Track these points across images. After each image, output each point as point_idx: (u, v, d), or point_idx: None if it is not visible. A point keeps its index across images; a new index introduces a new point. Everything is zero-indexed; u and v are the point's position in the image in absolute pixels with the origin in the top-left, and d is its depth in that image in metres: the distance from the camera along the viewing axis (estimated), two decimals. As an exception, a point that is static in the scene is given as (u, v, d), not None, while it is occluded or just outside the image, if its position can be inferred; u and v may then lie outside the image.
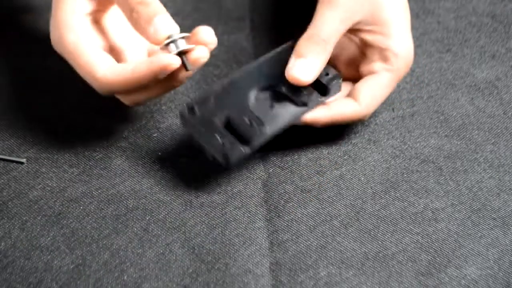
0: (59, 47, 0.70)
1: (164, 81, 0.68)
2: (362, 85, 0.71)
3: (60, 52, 0.70)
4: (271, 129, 0.69)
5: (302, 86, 0.70)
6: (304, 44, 0.70)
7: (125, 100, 0.71)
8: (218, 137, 0.68)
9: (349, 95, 0.72)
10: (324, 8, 0.70)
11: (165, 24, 0.67)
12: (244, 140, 0.68)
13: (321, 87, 0.71)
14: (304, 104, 0.70)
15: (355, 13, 0.70)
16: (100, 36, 0.71)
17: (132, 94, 0.70)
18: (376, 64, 0.71)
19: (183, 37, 0.67)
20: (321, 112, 0.71)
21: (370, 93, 0.71)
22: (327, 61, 0.70)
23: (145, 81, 0.67)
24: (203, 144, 0.69)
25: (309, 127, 0.72)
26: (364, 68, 0.72)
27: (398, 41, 0.71)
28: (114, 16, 0.73)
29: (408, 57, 0.72)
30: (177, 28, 0.67)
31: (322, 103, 0.71)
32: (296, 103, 0.70)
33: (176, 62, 0.66)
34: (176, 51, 0.67)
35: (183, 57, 0.67)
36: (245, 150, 0.68)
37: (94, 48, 0.69)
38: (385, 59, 0.71)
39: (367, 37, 0.72)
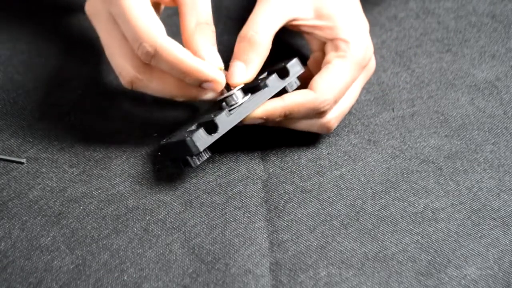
0: (113, 4, 0.67)
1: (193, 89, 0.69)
2: (317, 75, 0.72)
3: (111, 11, 0.68)
4: (235, 115, 0.69)
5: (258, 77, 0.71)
6: (237, 45, 0.71)
7: (132, 78, 0.70)
8: (184, 133, 0.69)
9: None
10: (257, 7, 0.72)
11: (217, 56, 0.69)
12: (211, 129, 0.68)
13: (280, 71, 0.71)
14: (265, 86, 0.70)
15: (289, 10, 0.72)
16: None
17: (155, 79, 0.69)
18: (329, 55, 0.72)
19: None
20: (275, 103, 0.70)
21: (324, 79, 0.71)
22: (263, 58, 0.71)
23: (193, 75, 0.67)
24: (174, 143, 0.70)
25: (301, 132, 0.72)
26: (323, 63, 0.73)
27: (345, 30, 0.72)
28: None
29: (361, 42, 0.72)
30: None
31: (286, 87, 0.71)
32: (256, 91, 0.70)
33: (223, 82, 0.69)
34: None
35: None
36: (212, 136, 0.68)
37: (155, 14, 0.68)
38: (336, 48, 0.72)
39: (318, 33, 0.73)
